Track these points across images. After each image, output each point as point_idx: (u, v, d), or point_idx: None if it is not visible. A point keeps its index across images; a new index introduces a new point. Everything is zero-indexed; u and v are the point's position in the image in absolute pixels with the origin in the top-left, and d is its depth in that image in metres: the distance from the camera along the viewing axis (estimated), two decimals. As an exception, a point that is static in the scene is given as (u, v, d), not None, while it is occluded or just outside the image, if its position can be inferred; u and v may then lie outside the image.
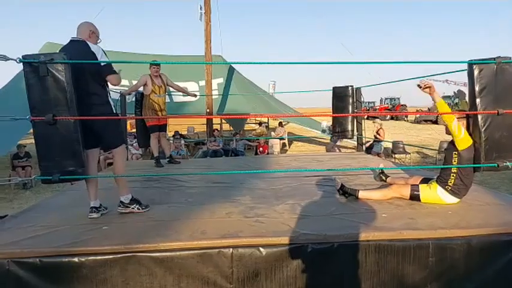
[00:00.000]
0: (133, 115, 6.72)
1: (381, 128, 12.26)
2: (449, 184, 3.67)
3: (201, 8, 12.12)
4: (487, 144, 3.47)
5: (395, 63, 3.75)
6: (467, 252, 2.95)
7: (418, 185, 3.84)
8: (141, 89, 6.27)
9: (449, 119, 3.49)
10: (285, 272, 2.84)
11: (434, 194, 3.71)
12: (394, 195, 3.87)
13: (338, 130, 7.62)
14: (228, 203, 3.88)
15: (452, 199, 3.68)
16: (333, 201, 3.94)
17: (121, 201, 3.59)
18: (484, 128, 3.46)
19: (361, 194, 3.92)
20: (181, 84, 9.70)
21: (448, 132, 3.60)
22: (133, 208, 3.59)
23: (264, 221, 3.31)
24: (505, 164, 3.48)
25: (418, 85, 3.54)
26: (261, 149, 12.82)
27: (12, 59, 2.92)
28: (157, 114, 6.11)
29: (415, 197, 3.76)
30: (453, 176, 3.64)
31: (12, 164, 10.32)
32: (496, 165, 3.48)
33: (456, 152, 3.59)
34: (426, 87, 3.53)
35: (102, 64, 3.36)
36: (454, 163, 3.61)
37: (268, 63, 3.94)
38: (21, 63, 2.97)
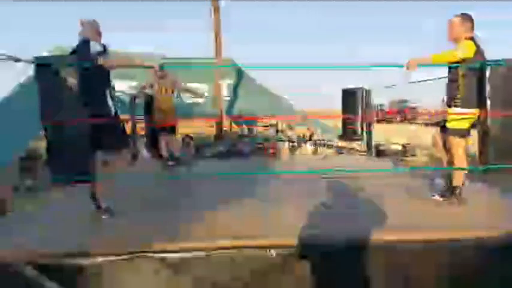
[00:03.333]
0: (143, 118, 6.75)
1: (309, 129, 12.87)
2: (459, 98, 3.59)
3: (211, 11, 12.13)
4: (496, 145, 3.45)
5: (398, 66, 3.72)
6: (479, 254, 2.91)
7: (445, 130, 3.77)
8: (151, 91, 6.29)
9: (452, 57, 3.49)
10: (294, 273, 2.82)
11: (454, 118, 3.63)
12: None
13: (347, 132, 7.61)
14: (235, 205, 3.88)
15: (467, 110, 3.59)
16: (342, 202, 3.94)
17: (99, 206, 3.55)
18: (493, 130, 3.44)
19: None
20: (192, 85, 9.71)
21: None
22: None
23: (272, 222, 3.31)
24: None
25: (407, 67, 3.58)
26: (270, 151, 12.76)
27: (24, 61, 2.96)
28: (164, 114, 6.11)
29: (450, 133, 3.69)
30: (460, 90, 3.57)
31: (20, 166, 10.36)
32: (505, 165, 3.46)
33: (461, 69, 3.53)
34: (415, 65, 3.55)
35: (92, 56, 3.32)
36: (460, 74, 3.54)
37: (277, 67, 3.95)
38: (31, 66, 3.01)
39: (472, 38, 3.56)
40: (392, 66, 3.91)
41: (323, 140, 13.25)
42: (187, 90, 6.84)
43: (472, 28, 3.61)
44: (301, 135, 12.65)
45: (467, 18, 3.62)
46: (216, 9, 11.89)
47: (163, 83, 6.09)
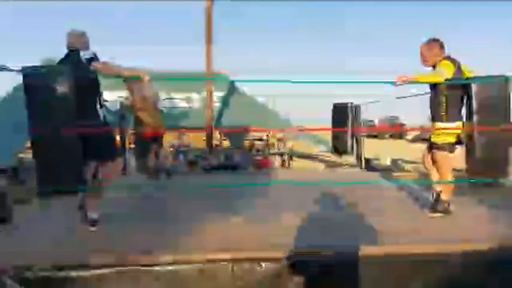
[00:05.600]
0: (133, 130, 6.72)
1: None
2: (443, 114, 3.67)
3: (203, 24, 12.16)
4: (482, 160, 3.50)
5: (387, 82, 3.77)
6: (469, 267, 2.93)
7: (431, 145, 3.84)
8: None
9: (439, 79, 3.60)
10: (286, 286, 2.81)
11: (440, 132, 3.72)
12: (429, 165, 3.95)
13: (337, 146, 7.65)
14: (227, 217, 3.86)
15: (451, 124, 3.68)
16: (333, 215, 3.95)
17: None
18: (480, 144, 3.49)
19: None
20: (183, 95, 9.91)
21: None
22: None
23: (265, 234, 3.30)
24: (500, 179, 3.51)
25: (396, 83, 3.65)
26: (261, 164, 12.76)
27: (12, 70, 2.94)
28: (145, 125, 6.06)
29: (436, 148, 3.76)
30: (443, 106, 3.67)
31: (10, 177, 10.19)
32: (492, 180, 3.50)
33: (443, 86, 3.64)
34: (403, 80, 3.63)
35: (84, 63, 3.31)
36: (444, 93, 3.65)
37: (269, 81, 3.98)
38: (20, 75, 2.98)
39: (447, 58, 3.70)
40: (382, 82, 3.96)
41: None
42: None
43: (442, 48, 3.76)
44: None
45: (433, 42, 3.78)
46: (209, 28, 11.84)
47: (134, 94, 6.01)
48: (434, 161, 3.84)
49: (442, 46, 3.76)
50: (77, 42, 3.45)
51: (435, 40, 3.78)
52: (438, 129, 3.72)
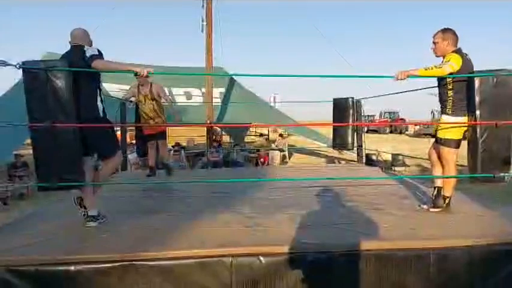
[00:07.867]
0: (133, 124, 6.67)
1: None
2: (449, 107, 3.65)
3: (202, 20, 12.17)
4: (484, 155, 3.47)
5: (387, 77, 3.73)
6: (468, 262, 2.93)
7: (437, 140, 3.81)
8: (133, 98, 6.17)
9: (440, 73, 3.55)
10: (284, 281, 2.81)
11: (446, 127, 3.69)
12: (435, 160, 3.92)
13: (338, 141, 7.62)
14: (227, 213, 3.85)
15: (458, 119, 3.64)
16: (333, 211, 3.93)
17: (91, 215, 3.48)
18: (481, 140, 3.47)
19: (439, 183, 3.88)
20: (184, 90, 9.76)
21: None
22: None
23: (264, 230, 3.29)
24: (501, 175, 3.48)
25: (397, 78, 3.59)
26: (261, 160, 12.79)
27: (11, 65, 2.91)
28: (147, 123, 6.02)
29: (442, 143, 3.73)
30: (450, 99, 3.65)
31: (8, 173, 10.22)
32: (492, 175, 3.48)
33: (450, 79, 3.60)
34: (404, 77, 3.56)
35: (87, 58, 3.27)
36: (449, 87, 3.62)
37: (268, 75, 3.97)
38: (21, 70, 2.96)
39: (457, 51, 3.62)
40: (382, 77, 3.93)
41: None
42: (167, 101, 6.44)
43: (456, 40, 3.69)
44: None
45: (448, 32, 3.69)
46: (209, 24, 11.82)
47: (142, 91, 5.96)
48: (440, 156, 3.81)
49: (456, 38, 3.69)
50: (81, 40, 3.44)
51: (450, 30, 3.71)
52: (444, 123, 3.69)
